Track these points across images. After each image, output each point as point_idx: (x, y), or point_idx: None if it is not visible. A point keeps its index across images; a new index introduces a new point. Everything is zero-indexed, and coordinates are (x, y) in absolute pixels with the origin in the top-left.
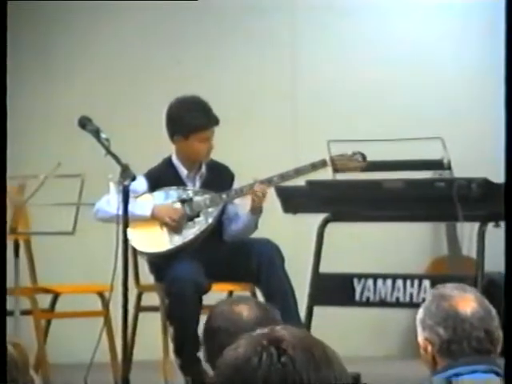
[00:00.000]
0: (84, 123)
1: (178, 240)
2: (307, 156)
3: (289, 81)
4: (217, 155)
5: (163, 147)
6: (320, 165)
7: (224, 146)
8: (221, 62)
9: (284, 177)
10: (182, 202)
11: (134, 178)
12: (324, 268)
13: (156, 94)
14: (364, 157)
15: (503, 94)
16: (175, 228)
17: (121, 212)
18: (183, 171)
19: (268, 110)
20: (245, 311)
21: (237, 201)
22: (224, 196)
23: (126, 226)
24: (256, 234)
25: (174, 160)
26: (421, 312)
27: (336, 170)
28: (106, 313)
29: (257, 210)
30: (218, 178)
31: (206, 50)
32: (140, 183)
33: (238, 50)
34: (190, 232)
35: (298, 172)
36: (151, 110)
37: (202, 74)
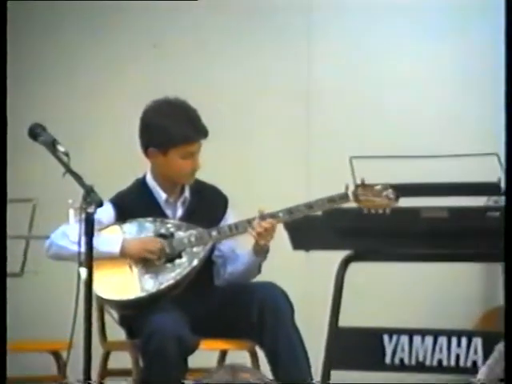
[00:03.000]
0: (35, 133)
1: (152, 285)
2: (321, 175)
3: (304, 81)
4: (206, 174)
5: (137, 165)
6: (339, 199)
7: (215, 162)
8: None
9: (292, 212)
10: (161, 237)
11: (100, 204)
12: (345, 321)
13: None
14: (397, 194)
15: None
16: (150, 268)
17: (83, 248)
18: (161, 195)
19: (275, 114)
20: None
21: None
22: (214, 233)
23: (90, 265)
24: (258, 277)
25: (149, 181)
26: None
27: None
28: (62, 378)
29: (262, 251)
30: (207, 205)
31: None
32: (105, 211)
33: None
34: (169, 276)
35: (311, 207)
36: (124, 119)
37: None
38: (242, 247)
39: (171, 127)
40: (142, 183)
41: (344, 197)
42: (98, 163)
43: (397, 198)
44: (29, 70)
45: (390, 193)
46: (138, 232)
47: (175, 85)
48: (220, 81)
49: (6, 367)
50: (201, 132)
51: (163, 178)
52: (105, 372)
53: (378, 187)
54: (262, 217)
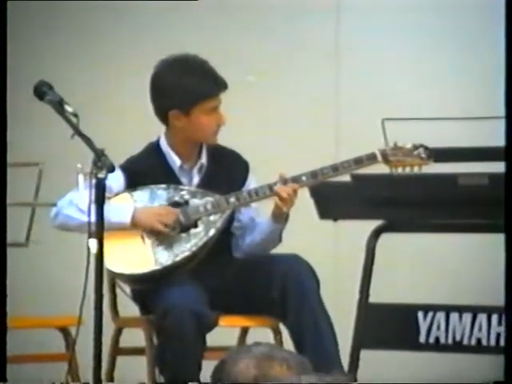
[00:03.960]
0: (42, 92)
1: (166, 258)
2: (350, 141)
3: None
4: (226, 139)
5: (151, 129)
6: (367, 160)
7: (235, 126)
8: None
9: (317, 175)
10: (174, 206)
11: (112, 169)
12: (376, 297)
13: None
14: (430, 152)
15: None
16: (164, 239)
17: (93, 217)
18: (175, 161)
19: (302, 75)
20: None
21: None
22: (233, 200)
23: (101, 236)
24: (280, 249)
25: (163, 146)
26: None
27: (389, 167)
28: (70, 356)
29: (281, 217)
30: (226, 171)
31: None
32: (115, 178)
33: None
34: (184, 247)
35: (337, 169)
36: (138, 82)
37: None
38: (260, 218)
39: (190, 83)
40: (154, 149)
41: (372, 157)
42: (110, 126)
43: (429, 157)
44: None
45: (421, 151)
46: (149, 200)
47: (191, 44)
48: (246, 44)
49: (6, 344)
50: (221, 84)
51: (184, 141)
52: (117, 350)
53: (409, 146)
54: (284, 181)
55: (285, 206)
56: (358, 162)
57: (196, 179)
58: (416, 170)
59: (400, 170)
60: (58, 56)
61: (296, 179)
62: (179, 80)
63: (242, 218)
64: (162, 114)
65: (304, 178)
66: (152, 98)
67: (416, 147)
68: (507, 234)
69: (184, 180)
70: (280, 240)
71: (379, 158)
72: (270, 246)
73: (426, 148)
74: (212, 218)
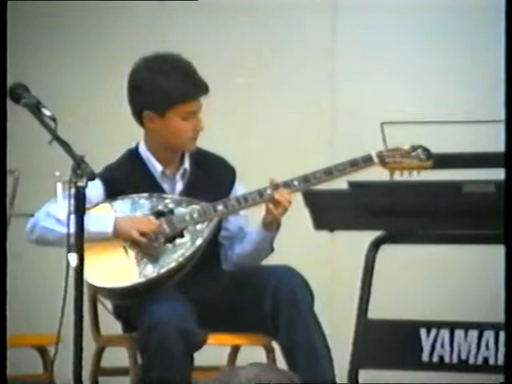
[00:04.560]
0: (17, 94)
1: (151, 270)
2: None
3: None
4: (212, 143)
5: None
6: (362, 162)
7: (223, 130)
8: None
9: (309, 180)
10: (158, 215)
11: (92, 177)
12: (375, 312)
13: None
14: (429, 154)
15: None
16: (148, 250)
17: (72, 229)
18: (156, 167)
19: (297, 76)
20: None
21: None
22: (220, 207)
23: (81, 249)
24: (272, 261)
25: (143, 151)
26: None
27: (387, 170)
28: (48, 377)
29: (273, 225)
30: (211, 178)
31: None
32: (93, 188)
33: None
34: (170, 258)
35: (331, 173)
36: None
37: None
38: (250, 226)
39: (167, 84)
40: (134, 154)
41: (368, 159)
42: (90, 132)
43: (429, 158)
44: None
45: (420, 153)
46: (131, 210)
47: (178, 44)
48: (236, 44)
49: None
50: (201, 87)
51: (161, 146)
52: (98, 370)
53: (407, 147)
54: (275, 186)
55: (278, 212)
56: (353, 164)
57: (179, 186)
58: (415, 173)
59: (398, 173)
60: (37, 59)
61: (287, 184)
62: (155, 79)
63: (230, 227)
64: (137, 114)
65: (296, 183)
66: (128, 97)
67: (414, 148)
68: (507, 246)
69: (166, 187)
70: (272, 249)
71: (375, 159)
72: (262, 255)
73: (424, 149)
74: (199, 226)
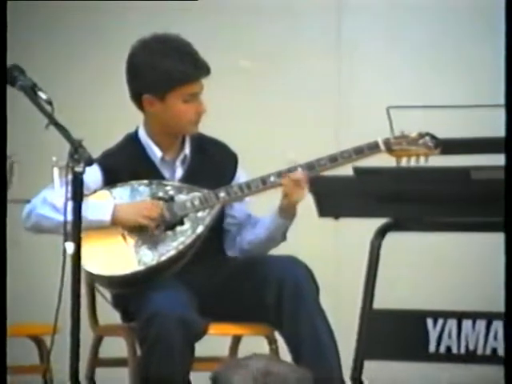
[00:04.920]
0: (13, 77)
1: (151, 257)
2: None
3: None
4: (214, 129)
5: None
6: (368, 149)
7: (226, 115)
8: None
9: (314, 167)
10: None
11: (90, 162)
12: (381, 302)
13: None
14: (437, 141)
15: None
16: (148, 237)
17: (69, 216)
18: (156, 153)
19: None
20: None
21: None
22: (222, 194)
23: (78, 237)
24: (275, 250)
25: (142, 136)
26: None
27: (393, 157)
28: (44, 368)
29: (290, 211)
30: (212, 164)
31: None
32: (91, 174)
33: None
34: (170, 246)
35: (335, 160)
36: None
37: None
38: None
39: (166, 66)
40: (133, 139)
41: (374, 146)
42: (89, 116)
43: (436, 146)
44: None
45: (428, 140)
46: (130, 197)
47: (179, 24)
48: (242, 27)
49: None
50: (202, 68)
51: (161, 130)
52: (96, 361)
53: (414, 134)
54: (278, 174)
55: (296, 196)
56: (359, 151)
57: (179, 172)
58: (422, 160)
59: (405, 160)
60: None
61: (290, 171)
62: (154, 61)
63: (236, 214)
64: (136, 98)
65: (299, 170)
66: (126, 80)
67: (422, 135)
68: (507, 234)
69: (166, 173)
70: (284, 238)
71: (382, 147)
72: (274, 244)
73: (432, 136)
74: (200, 214)
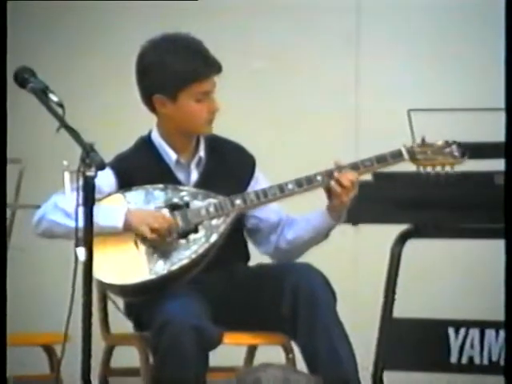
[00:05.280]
0: (24, 79)
1: (162, 266)
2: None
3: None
4: (227, 133)
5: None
6: (391, 158)
7: (240, 118)
8: None
9: (333, 175)
10: (173, 208)
11: (102, 166)
12: (401, 311)
13: None
14: (464, 150)
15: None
16: (160, 245)
17: (81, 222)
18: (170, 156)
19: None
20: None
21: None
22: (238, 202)
23: (90, 244)
24: None
25: (156, 139)
26: None
27: (416, 166)
28: (55, 377)
29: (340, 211)
30: (228, 167)
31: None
32: (104, 178)
33: None
34: (183, 255)
35: (357, 168)
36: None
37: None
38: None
39: (177, 64)
40: (146, 142)
41: (397, 155)
42: (101, 119)
43: (463, 155)
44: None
45: (454, 149)
46: (144, 202)
47: (192, 26)
48: (255, 26)
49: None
50: (213, 66)
51: (175, 132)
52: (107, 371)
53: (440, 143)
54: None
55: (346, 196)
56: (381, 160)
57: (194, 175)
58: (447, 169)
59: (429, 169)
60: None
61: (311, 180)
62: (164, 60)
63: (260, 214)
64: (147, 99)
65: (319, 178)
66: (136, 81)
67: (448, 144)
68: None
69: (181, 176)
70: (327, 237)
71: (405, 155)
72: (315, 244)
73: (459, 145)
74: (214, 222)
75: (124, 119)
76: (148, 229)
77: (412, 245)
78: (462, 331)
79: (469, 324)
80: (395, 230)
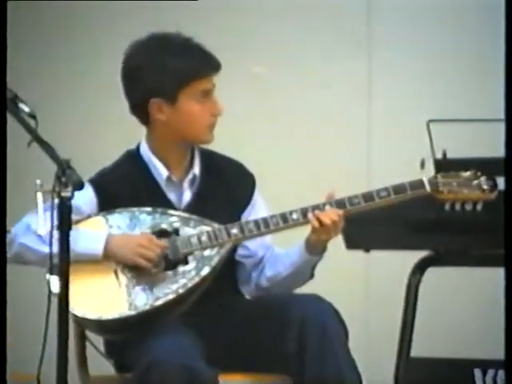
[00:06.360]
0: None
1: (144, 301)
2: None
3: None
4: (226, 146)
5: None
6: (411, 190)
7: (239, 130)
8: None
9: (344, 206)
10: (160, 235)
11: (79, 186)
12: (419, 349)
13: None
14: (494, 183)
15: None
16: (144, 277)
17: (55, 247)
18: (161, 172)
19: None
20: None
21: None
22: (235, 231)
23: (66, 272)
24: (297, 289)
25: (145, 153)
26: None
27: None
28: None
29: (319, 248)
30: (225, 186)
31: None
32: (83, 196)
33: None
34: (169, 289)
35: (372, 199)
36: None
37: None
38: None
39: (173, 62)
40: (134, 156)
41: (417, 185)
42: (80, 132)
43: (493, 189)
44: None
45: (483, 182)
46: (129, 226)
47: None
48: (254, 27)
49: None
50: (211, 62)
51: (169, 143)
52: None
53: (467, 174)
54: (303, 212)
55: (326, 235)
56: (399, 190)
57: (187, 195)
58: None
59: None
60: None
61: (318, 208)
62: (158, 60)
63: (251, 245)
64: (141, 106)
65: (327, 208)
66: (125, 89)
67: (477, 176)
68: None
69: (172, 196)
70: (312, 276)
71: (427, 187)
72: (299, 282)
73: (489, 177)
74: (207, 252)
75: (107, 132)
76: (141, 258)
77: (432, 273)
78: (491, 373)
79: (498, 365)
80: (413, 256)
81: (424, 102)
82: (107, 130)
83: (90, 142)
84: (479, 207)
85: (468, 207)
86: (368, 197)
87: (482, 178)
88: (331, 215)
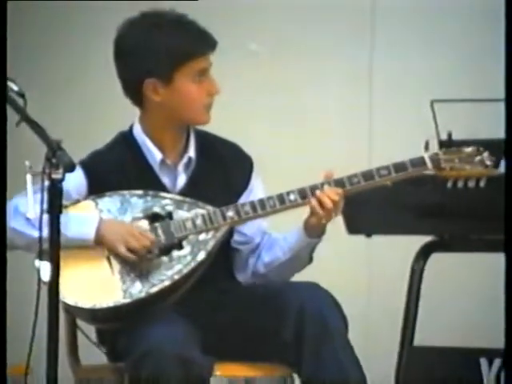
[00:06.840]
0: None
1: (139, 288)
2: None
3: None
4: (220, 129)
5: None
6: (412, 167)
7: (233, 113)
8: None
9: (344, 185)
10: (152, 219)
11: (71, 167)
12: (423, 338)
13: None
14: (496, 159)
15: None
16: (138, 263)
17: (45, 231)
18: (154, 155)
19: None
20: None
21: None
22: (231, 214)
23: (56, 258)
24: (295, 276)
25: (138, 135)
26: None
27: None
28: None
29: (318, 230)
30: (221, 170)
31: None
32: (73, 179)
33: None
34: (164, 275)
35: (372, 178)
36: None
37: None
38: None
39: (168, 40)
40: (126, 139)
41: (419, 163)
42: (71, 116)
43: (496, 164)
44: None
45: (486, 157)
46: (119, 210)
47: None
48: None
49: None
50: (208, 40)
51: (164, 125)
52: None
53: (469, 150)
54: (302, 193)
55: (326, 216)
56: (401, 168)
57: (182, 179)
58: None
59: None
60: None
61: (339, 181)
62: (153, 37)
63: (248, 230)
64: (135, 87)
65: (355, 180)
66: (118, 70)
67: (479, 151)
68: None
69: (166, 180)
70: (310, 260)
71: (429, 164)
72: (297, 267)
73: (491, 152)
74: (202, 237)
75: (99, 113)
76: (125, 248)
77: (435, 259)
78: (496, 362)
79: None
80: (417, 242)
81: (427, 85)
82: (100, 112)
83: (82, 124)
84: (482, 184)
85: (471, 184)
86: (368, 175)
87: (485, 154)
88: (331, 195)
